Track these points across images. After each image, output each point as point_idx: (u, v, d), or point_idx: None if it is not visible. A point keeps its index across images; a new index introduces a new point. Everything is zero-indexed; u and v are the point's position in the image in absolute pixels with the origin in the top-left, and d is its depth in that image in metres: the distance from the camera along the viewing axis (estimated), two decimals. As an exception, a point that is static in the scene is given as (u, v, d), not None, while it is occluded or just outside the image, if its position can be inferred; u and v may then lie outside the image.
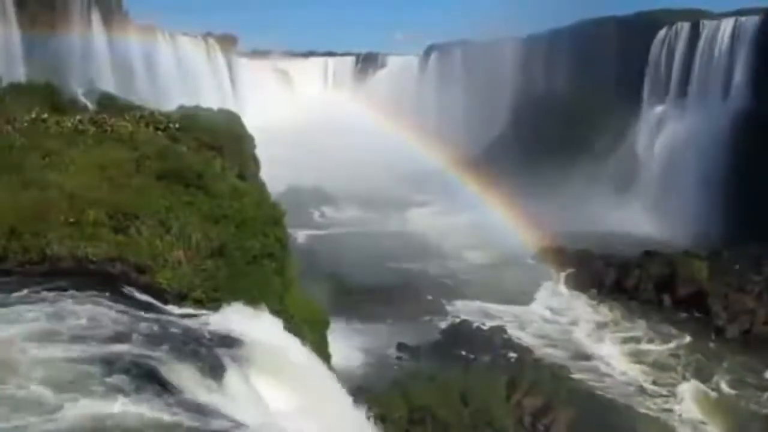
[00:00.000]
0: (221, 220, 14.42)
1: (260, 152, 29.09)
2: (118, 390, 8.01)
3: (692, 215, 49.62)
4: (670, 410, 28.52)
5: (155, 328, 10.20)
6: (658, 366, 33.01)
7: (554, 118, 69.84)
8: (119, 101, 27.31)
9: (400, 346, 32.48)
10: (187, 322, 11.09)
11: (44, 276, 11.21)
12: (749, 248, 43.46)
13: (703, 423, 27.73)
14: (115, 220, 12.91)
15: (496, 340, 33.63)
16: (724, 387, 30.73)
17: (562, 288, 43.77)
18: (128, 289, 11.51)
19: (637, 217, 53.40)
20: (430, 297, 40.25)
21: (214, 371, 9.48)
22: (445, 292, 41.40)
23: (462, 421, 23.38)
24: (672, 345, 35.27)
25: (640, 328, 37.42)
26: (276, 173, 30.79)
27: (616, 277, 43.14)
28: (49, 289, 10.47)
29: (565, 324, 38.12)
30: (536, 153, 63.52)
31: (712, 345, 35.27)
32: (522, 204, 53.03)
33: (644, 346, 35.21)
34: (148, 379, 8.50)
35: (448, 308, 39.10)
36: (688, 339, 35.78)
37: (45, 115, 17.64)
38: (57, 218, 12.38)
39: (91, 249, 11.98)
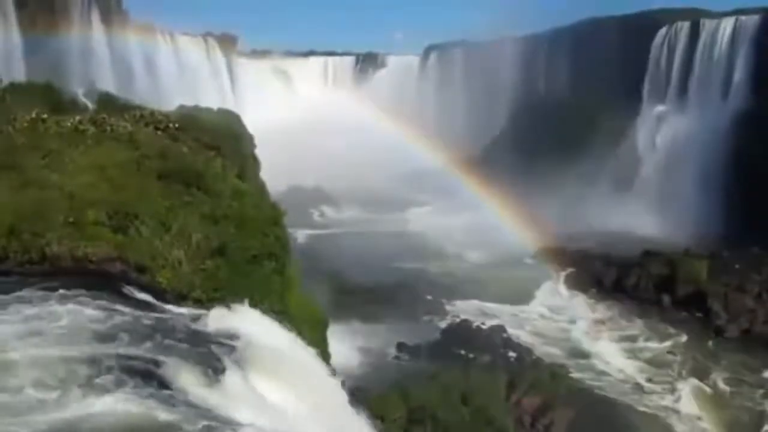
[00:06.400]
0: (221, 220, 14.41)
1: (260, 152, 29.12)
2: (118, 389, 8.02)
3: (692, 215, 49.64)
4: (669, 410, 28.57)
5: (155, 327, 10.22)
6: (657, 365, 33.04)
7: (554, 117, 69.85)
8: (119, 101, 27.25)
9: (400, 346, 32.49)
10: (186, 321, 11.10)
11: (44, 276, 11.22)
12: (749, 248, 43.51)
13: (703, 422, 27.75)
14: (115, 220, 12.91)
15: (496, 340, 33.66)
16: (724, 386, 30.76)
17: (562, 287, 43.82)
18: (128, 289, 11.52)
19: (637, 216, 53.35)
20: (429, 297, 40.29)
21: (214, 370, 9.50)
22: (444, 292, 41.44)
23: (462, 421, 23.39)
24: (671, 344, 35.30)
25: (639, 327, 37.46)
26: (276, 173, 30.78)
27: (615, 276, 43.18)
28: (49, 289, 10.48)
29: (565, 323, 38.17)
30: (536, 153, 63.49)
31: (711, 345, 35.30)
32: (522, 204, 53.06)
33: (644, 346, 35.25)
34: (148, 379, 8.52)
35: (448, 308, 39.14)
36: (687, 339, 35.83)
37: (45, 115, 17.58)
38: (57, 218, 12.39)
39: (90, 249, 11.99)
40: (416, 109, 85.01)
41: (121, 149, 16.50)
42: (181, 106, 29.55)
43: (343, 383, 15.35)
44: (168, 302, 11.77)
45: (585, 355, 34.05)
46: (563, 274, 45.47)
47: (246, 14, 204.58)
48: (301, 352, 13.16)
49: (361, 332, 32.79)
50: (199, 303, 12.26)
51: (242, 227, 14.44)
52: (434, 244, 52.36)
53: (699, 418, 27.99)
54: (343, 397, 13.86)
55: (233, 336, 11.00)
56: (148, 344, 9.47)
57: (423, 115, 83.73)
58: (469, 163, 70.92)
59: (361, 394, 18.02)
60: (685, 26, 61.97)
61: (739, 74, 55.58)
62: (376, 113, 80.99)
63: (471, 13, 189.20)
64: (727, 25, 57.78)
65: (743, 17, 57.05)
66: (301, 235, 49.44)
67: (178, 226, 13.43)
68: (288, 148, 59.82)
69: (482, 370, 28.78)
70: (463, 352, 31.93)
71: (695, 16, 62.27)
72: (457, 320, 36.65)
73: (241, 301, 12.30)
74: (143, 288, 11.80)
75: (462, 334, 34.12)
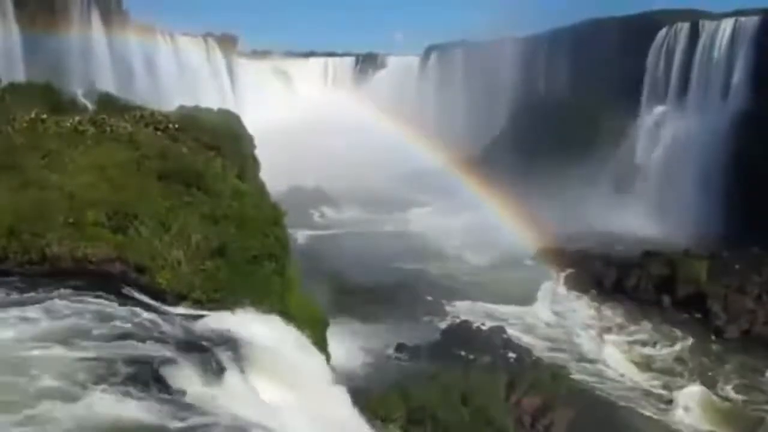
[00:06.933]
0: (221, 220, 14.40)
1: (260, 152, 29.06)
2: (117, 390, 8.00)
3: (692, 216, 49.64)
4: (669, 410, 28.56)
5: (154, 328, 10.20)
6: (657, 366, 33.05)
7: (554, 118, 69.82)
8: (119, 101, 27.23)
9: (400, 346, 32.47)
10: (186, 322, 11.09)
11: (44, 276, 11.21)
12: (749, 249, 43.50)
13: (702, 423, 27.75)
14: (114, 220, 12.90)
15: (495, 340, 33.63)
16: (724, 387, 30.74)
17: (562, 288, 43.80)
18: (127, 289, 11.51)
19: (637, 217, 53.40)
20: (430, 297, 40.27)
21: (214, 371, 9.49)
22: (444, 293, 41.42)
23: (462, 421, 23.37)
24: (671, 345, 35.29)
25: (639, 328, 37.44)
26: (276, 173, 30.75)
27: (615, 277, 43.16)
28: (49, 289, 10.47)
29: (565, 324, 38.15)
30: (536, 153, 63.50)
31: (711, 345, 35.29)
32: (522, 204, 53.06)
33: (643, 347, 35.23)
34: (147, 379, 8.50)
35: (448, 308, 39.12)
36: (687, 339, 35.81)
37: (45, 116, 17.57)
38: (57, 218, 12.38)
39: (90, 249, 11.98)
40: (416, 109, 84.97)
41: (121, 149, 16.48)
42: (181, 107, 29.46)
43: (342, 383, 15.32)
44: (168, 303, 11.76)
45: (585, 356, 34.02)
46: (563, 274, 45.45)
47: (246, 14, 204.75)
48: (301, 353, 13.14)
49: (361, 332, 32.77)
50: (198, 303, 12.26)
51: (242, 227, 14.42)
52: (434, 244, 52.33)
53: (699, 420, 27.97)
54: (344, 397, 13.83)
55: (233, 336, 10.99)
56: (148, 345, 9.45)
57: (423, 115, 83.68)
58: (469, 163, 70.90)
59: (361, 394, 17.98)
60: (684, 27, 61.99)
61: (738, 75, 55.59)
62: (376, 113, 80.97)
63: (471, 13, 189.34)
64: (727, 26, 57.80)
65: (743, 18, 57.08)
66: (301, 236, 49.42)
67: (177, 226, 13.42)
68: (288, 148, 59.79)
69: (482, 371, 28.74)
70: (463, 352, 31.87)
71: (695, 17, 62.31)
72: (457, 321, 36.62)
73: (241, 301, 12.29)
74: (143, 288, 11.79)
75: (462, 334, 34.09)
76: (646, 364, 33.18)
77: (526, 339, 35.38)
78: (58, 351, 8.64)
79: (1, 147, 15.09)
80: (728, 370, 32.43)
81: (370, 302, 36.50)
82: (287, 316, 14.15)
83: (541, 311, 39.88)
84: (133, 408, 7.72)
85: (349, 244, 50.07)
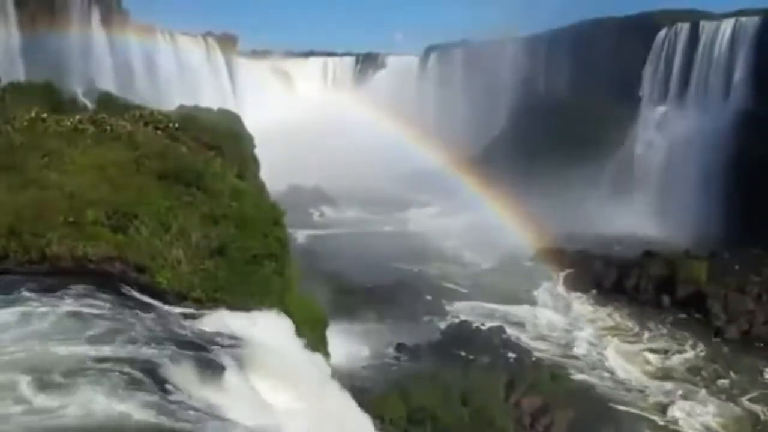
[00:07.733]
0: (221, 220, 14.39)
1: (260, 152, 29.09)
2: (117, 389, 8.00)
3: (692, 216, 49.65)
4: (668, 410, 28.54)
5: (154, 327, 10.19)
6: (656, 366, 33.05)
7: (554, 118, 69.86)
8: (119, 101, 27.30)
9: (400, 346, 32.47)
10: (186, 321, 11.08)
11: (44, 275, 11.20)
12: (749, 249, 43.50)
13: (702, 423, 27.73)
14: (114, 220, 12.89)
15: (495, 341, 33.63)
16: (723, 387, 30.74)
17: (562, 288, 43.79)
18: (127, 289, 11.50)
19: (637, 217, 53.41)
20: (429, 297, 40.26)
21: (214, 371, 9.47)
22: (444, 293, 41.45)
23: (461, 421, 23.38)
24: (671, 345, 35.30)
25: (639, 328, 37.45)
26: (276, 173, 30.75)
27: (615, 277, 43.16)
28: (48, 289, 10.46)
29: (564, 324, 38.14)
30: (536, 153, 63.53)
31: (711, 345, 35.28)
32: (521, 204, 53.06)
33: (643, 347, 35.23)
34: (147, 379, 8.49)
35: (448, 308, 39.12)
36: (687, 339, 35.82)
37: (45, 115, 17.57)
38: (57, 218, 12.37)
39: (90, 248, 11.97)
40: (416, 109, 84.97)
41: (120, 149, 16.47)
42: (181, 106, 29.53)
43: (342, 383, 15.32)
44: (167, 302, 11.75)
45: (584, 356, 34.02)
46: (563, 274, 45.45)
47: (246, 14, 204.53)
48: (301, 352, 13.14)
49: (361, 332, 32.78)
50: (198, 303, 12.25)
51: (242, 227, 14.42)
52: (434, 244, 52.35)
53: (698, 420, 27.97)
54: (344, 396, 13.83)
55: (233, 336, 10.98)
56: (147, 344, 9.44)
57: (423, 115, 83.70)
58: (469, 163, 70.91)
59: (361, 395, 17.97)
60: (685, 27, 62.06)
61: (739, 75, 55.68)
62: (376, 113, 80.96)
63: (471, 13, 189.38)
64: (727, 26, 57.89)
65: (743, 18, 57.19)
66: (301, 236, 49.44)
67: (177, 226, 13.42)
68: (288, 148, 59.82)
69: (482, 371, 28.75)
70: (462, 352, 31.85)
71: (695, 18, 62.37)
72: (457, 321, 36.63)
73: (240, 301, 12.29)
74: (143, 288, 11.79)
75: (462, 334, 34.09)
76: (645, 364, 33.18)
77: (525, 339, 35.39)
78: (57, 350, 8.64)
79: (1, 147, 15.09)
80: (727, 370, 32.42)
81: (370, 302, 36.51)
82: (287, 315, 14.14)
83: (540, 311, 39.87)
84: (132, 407, 7.71)
85: (348, 244, 50.08)
